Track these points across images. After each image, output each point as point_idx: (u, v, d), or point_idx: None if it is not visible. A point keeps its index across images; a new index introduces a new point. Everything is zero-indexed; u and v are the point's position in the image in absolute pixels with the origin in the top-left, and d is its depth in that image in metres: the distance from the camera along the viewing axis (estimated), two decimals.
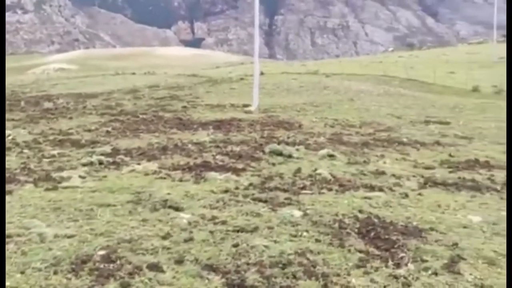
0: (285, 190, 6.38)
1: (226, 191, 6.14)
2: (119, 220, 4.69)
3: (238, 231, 4.54)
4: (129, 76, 32.01)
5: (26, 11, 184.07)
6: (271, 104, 18.11)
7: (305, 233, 4.60)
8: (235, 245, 4.15)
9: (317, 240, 4.41)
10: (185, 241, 4.19)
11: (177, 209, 5.21)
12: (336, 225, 4.90)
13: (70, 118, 13.34)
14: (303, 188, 6.60)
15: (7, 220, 4.51)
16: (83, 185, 6.04)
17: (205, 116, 14.72)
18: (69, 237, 4.12)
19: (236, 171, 7.40)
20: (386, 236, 4.62)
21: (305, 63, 50.33)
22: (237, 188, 6.34)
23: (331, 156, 9.13)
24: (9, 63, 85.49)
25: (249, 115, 15.44)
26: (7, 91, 24.27)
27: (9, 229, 4.23)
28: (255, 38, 18.79)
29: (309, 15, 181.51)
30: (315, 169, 7.77)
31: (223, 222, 4.79)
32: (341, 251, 4.14)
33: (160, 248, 3.99)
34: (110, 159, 7.67)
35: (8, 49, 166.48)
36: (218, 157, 8.52)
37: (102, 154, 8.05)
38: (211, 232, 4.47)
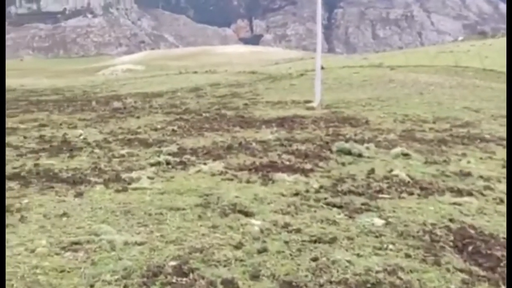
0: (360, 194, 5.87)
1: (296, 194, 5.75)
2: (189, 226, 4.46)
3: (315, 241, 4.12)
4: (191, 75, 32.64)
5: (96, 15, 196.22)
6: (333, 99, 17.45)
7: (391, 246, 4.08)
8: (314, 259, 3.73)
9: (407, 255, 3.87)
10: (259, 252, 3.84)
11: (247, 214, 4.90)
12: (427, 237, 4.32)
13: (138, 117, 13.59)
14: (380, 191, 6.04)
15: (76, 225, 4.44)
16: (152, 186, 5.93)
17: (267, 114, 14.42)
18: (140, 244, 3.93)
19: (305, 172, 6.99)
20: (488, 251, 3.98)
21: (367, 56, 48.52)
22: (307, 191, 5.93)
23: (405, 155, 8.44)
24: (80, 65, 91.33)
25: (311, 111, 14.93)
26: (79, 92, 25.63)
27: (79, 235, 4.14)
28: (317, 31, 18.18)
29: (370, 7, 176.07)
30: (390, 170, 7.16)
31: (298, 231, 4.40)
32: (438, 270, 3.58)
33: (233, 259, 3.68)
34: (177, 159, 7.57)
35: (80, 52, 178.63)
36: (284, 156, 8.16)
37: (169, 154, 7.98)
38: (286, 242, 4.09)
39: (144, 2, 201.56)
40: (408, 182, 6.54)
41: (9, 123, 12.94)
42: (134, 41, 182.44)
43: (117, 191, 5.67)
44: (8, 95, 23.66)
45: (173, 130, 11.05)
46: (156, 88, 24.76)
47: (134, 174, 6.48)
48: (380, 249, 4.03)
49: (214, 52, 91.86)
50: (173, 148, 8.60)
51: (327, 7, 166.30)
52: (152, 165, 7.16)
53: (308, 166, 7.39)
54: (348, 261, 3.68)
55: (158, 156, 7.70)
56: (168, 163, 7.26)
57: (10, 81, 38.10)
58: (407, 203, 5.46)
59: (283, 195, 5.68)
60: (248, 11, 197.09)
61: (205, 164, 7.24)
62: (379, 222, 4.70)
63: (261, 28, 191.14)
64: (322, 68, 20.06)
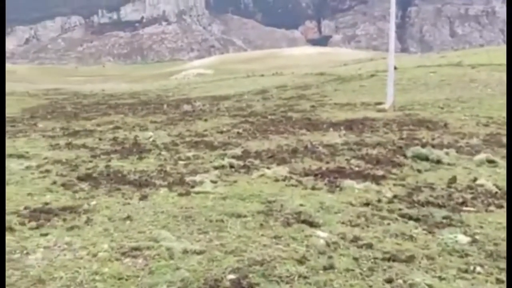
0: (440, 206, 5.28)
1: (367, 204, 5.31)
2: (250, 235, 4.23)
3: (389, 259, 3.69)
4: (258, 78, 32.79)
5: (170, 23, 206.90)
6: (407, 101, 16.47)
7: (479, 269, 3.54)
8: (389, 280, 3.32)
9: (499, 281, 3.32)
10: (325, 268, 3.50)
11: (312, 224, 4.57)
12: None
13: (205, 120, 13.76)
14: (463, 203, 5.41)
15: (138, 229, 4.41)
16: (214, 190, 5.82)
17: (335, 116, 13.92)
18: (199, 253, 3.78)
19: (376, 179, 6.49)
20: None
21: (444, 54, 45.62)
22: (379, 200, 5.45)
23: (491, 162, 7.59)
24: (155, 70, 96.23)
25: (383, 113, 14.17)
26: (153, 95, 26.79)
27: (140, 240, 4.09)
28: (390, 30, 17.28)
29: (448, 4, 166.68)
30: (475, 179, 6.44)
31: (369, 246, 3.99)
32: None
33: (296, 275, 3.38)
34: (241, 163, 7.44)
35: (155, 58, 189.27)
36: (352, 161, 7.70)
37: (233, 157, 7.88)
38: (355, 259, 3.70)
39: (215, 7, 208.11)
40: (496, 193, 5.82)
41: (87, 125, 13.74)
42: (205, 46, 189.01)
43: (180, 194, 5.62)
44: (90, 99, 25.40)
45: (238, 132, 10.99)
46: (224, 91, 25.13)
47: (197, 178, 6.43)
48: (466, 271, 3.51)
49: (282, 55, 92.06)
50: (238, 151, 8.49)
51: (401, 5, 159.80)
52: (216, 168, 7.07)
53: (379, 172, 6.88)
54: (429, 285, 3.22)
55: (223, 159, 7.62)
56: (231, 166, 7.14)
57: (92, 86, 41.02)
58: (496, 218, 4.81)
59: (352, 204, 5.27)
60: (316, 12, 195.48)
61: (268, 168, 7.01)
62: (464, 239, 4.14)
63: (329, 29, 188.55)
64: (395, 68, 19.06)
